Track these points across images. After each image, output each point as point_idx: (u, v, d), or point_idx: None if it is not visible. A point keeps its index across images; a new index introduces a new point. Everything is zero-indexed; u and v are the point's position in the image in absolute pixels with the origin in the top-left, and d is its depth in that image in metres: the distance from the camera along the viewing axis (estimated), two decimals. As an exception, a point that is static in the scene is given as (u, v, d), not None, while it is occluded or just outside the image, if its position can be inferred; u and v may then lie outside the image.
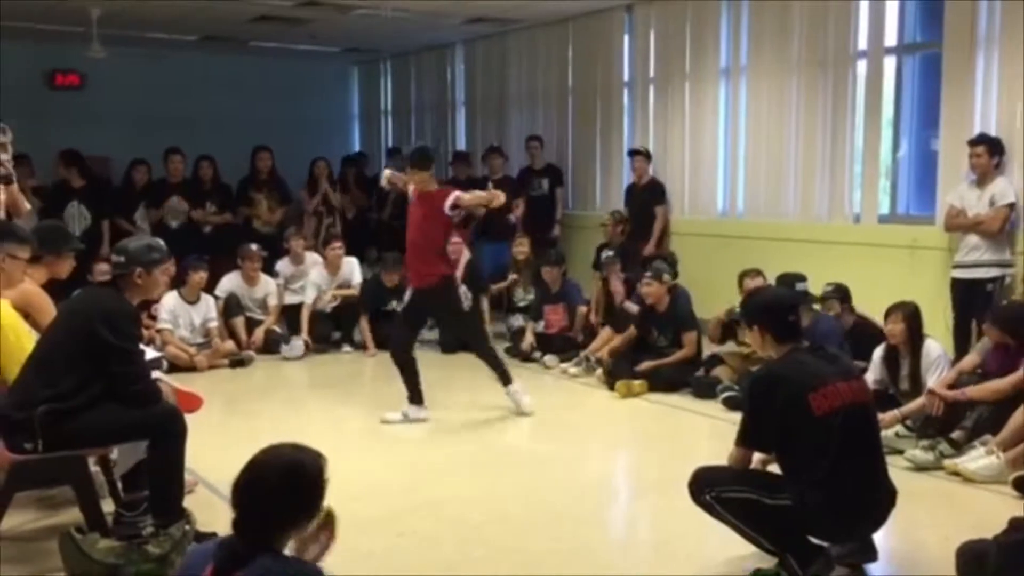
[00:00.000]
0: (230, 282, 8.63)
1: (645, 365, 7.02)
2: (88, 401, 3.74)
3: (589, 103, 10.28)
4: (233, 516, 2.24)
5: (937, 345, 5.67)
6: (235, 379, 7.77)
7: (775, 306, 3.85)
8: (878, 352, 5.77)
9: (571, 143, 10.61)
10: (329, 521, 2.84)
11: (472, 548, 4.10)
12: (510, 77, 11.29)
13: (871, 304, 6.32)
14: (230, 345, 8.18)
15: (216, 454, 4.82)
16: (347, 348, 8.78)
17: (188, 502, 4.05)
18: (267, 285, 8.77)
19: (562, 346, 8.05)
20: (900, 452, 5.12)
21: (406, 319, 6.46)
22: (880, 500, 3.62)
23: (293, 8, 9.65)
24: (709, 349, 7.25)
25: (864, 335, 6.12)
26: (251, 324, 8.53)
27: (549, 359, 7.96)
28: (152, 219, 9.77)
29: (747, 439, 3.63)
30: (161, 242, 4.26)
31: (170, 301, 7.85)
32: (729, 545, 3.78)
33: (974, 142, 6.55)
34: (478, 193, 6.42)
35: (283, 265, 9.05)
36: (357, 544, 3.89)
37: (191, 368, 7.64)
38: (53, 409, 3.67)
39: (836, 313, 6.37)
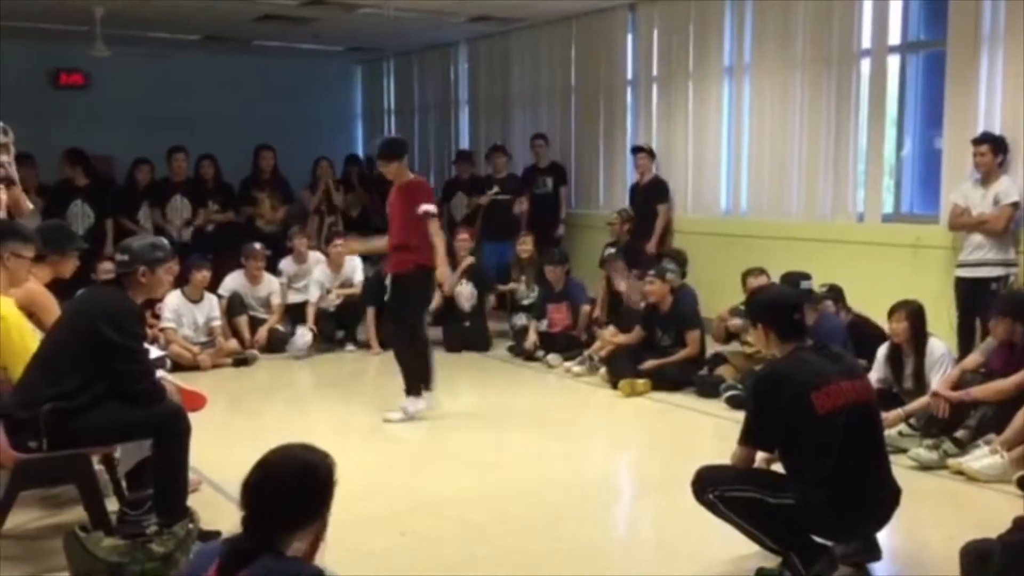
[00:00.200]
0: (233, 281, 8.65)
1: (648, 364, 7.02)
2: (92, 400, 3.74)
3: (592, 102, 10.27)
4: (242, 515, 2.25)
5: (941, 344, 5.66)
6: (239, 378, 7.78)
7: (779, 304, 3.85)
8: (882, 351, 5.76)
9: (574, 142, 10.60)
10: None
11: (475, 547, 4.10)
12: (513, 76, 11.28)
13: (875, 303, 6.31)
14: (233, 344, 8.19)
15: (220, 453, 4.84)
16: (350, 347, 8.78)
17: (192, 501, 4.06)
18: (270, 284, 8.78)
19: (565, 345, 8.05)
20: (904, 451, 5.12)
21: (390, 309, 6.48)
22: (884, 499, 3.62)
23: (297, 7, 9.66)
24: (712, 348, 7.24)
25: (861, 334, 6.11)
26: (254, 323, 8.55)
27: (552, 358, 7.96)
28: (155, 219, 9.78)
29: (750, 438, 3.63)
30: (165, 241, 4.27)
31: (174, 300, 7.86)
32: (732, 544, 3.78)
33: (978, 141, 6.54)
34: (440, 246, 6.21)
35: (286, 264, 9.05)
36: (359, 543, 3.90)
37: (195, 367, 7.65)
38: (57, 408, 3.67)
39: (832, 313, 6.37)
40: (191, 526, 3.70)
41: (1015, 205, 6.42)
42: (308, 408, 6.74)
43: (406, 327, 6.32)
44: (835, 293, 6.42)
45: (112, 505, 4.10)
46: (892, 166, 7.77)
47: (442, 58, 12.46)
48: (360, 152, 13.10)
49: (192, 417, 4.01)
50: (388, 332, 6.50)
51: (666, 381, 6.94)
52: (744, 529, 3.64)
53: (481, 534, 4.26)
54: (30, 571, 3.81)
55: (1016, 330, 5.25)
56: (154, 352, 4.71)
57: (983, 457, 4.88)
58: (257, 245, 8.74)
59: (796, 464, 3.59)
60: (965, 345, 6.39)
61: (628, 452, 6.01)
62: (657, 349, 7.18)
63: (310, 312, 8.64)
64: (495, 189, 10.04)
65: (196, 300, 8.05)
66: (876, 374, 5.63)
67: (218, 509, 4.18)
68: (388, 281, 6.40)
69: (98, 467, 4.23)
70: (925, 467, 5.02)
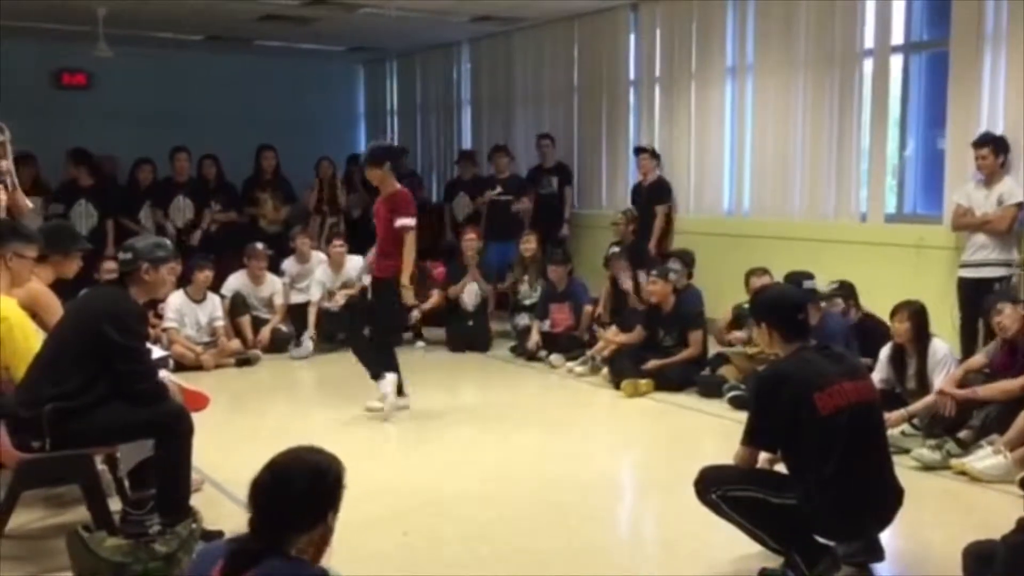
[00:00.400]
0: (236, 281, 8.65)
1: (651, 364, 7.02)
2: (95, 400, 3.75)
3: (595, 102, 10.27)
4: (250, 516, 2.25)
5: (943, 344, 5.66)
6: (241, 378, 7.78)
7: (783, 304, 3.84)
8: (884, 351, 5.76)
9: (577, 142, 10.60)
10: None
11: (478, 547, 4.10)
12: (516, 76, 11.28)
13: (877, 303, 6.31)
14: (236, 344, 8.19)
15: (222, 453, 4.86)
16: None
17: (195, 500, 4.06)
18: (273, 284, 8.79)
19: (568, 345, 8.05)
20: (907, 451, 5.12)
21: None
22: (886, 499, 3.62)
23: (299, 7, 9.66)
24: (715, 348, 7.24)
25: (871, 332, 6.10)
26: (257, 323, 8.55)
27: (555, 358, 7.96)
28: (157, 219, 9.79)
29: (753, 438, 3.63)
30: (168, 241, 4.28)
31: (176, 300, 7.86)
32: (735, 544, 3.78)
33: (979, 143, 6.52)
34: (408, 267, 6.26)
35: (289, 264, 9.06)
36: (363, 543, 3.90)
37: (197, 367, 7.66)
38: (60, 408, 3.68)
39: (841, 311, 6.36)
40: (194, 526, 3.70)
41: (1019, 206, 6.41)
42: (310, 408, 6.74)
43: (379, 331, 6.42)
44: (846, 290, 6.39)
45: (115, 505, 4.10)
46: (895, 166, 7.76)
47: (444, 58, 12.46)
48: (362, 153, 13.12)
49: (195, 417, 4.01)
50: (355, 331, 6.60)
51: (668, 381, 6.94)
52: (747, 529, 3.64)
53: (483, 534, 4.26)
54: (33, 571, 3.81)
55: None
56: (157, 352, 4.71)
57: (986, 458, 4.87)
58: (259, 245, 8.75)
59: (799, 464, 3.59)
60: (968, 345, 6.39)
61: (630, 452, 6.00)
62: (660, 349, 7.17)
63: (311, 313, 8.64)
64: (498, 189, 10.04)
65: (199, 300, 8.06)
66: (879, 374, 5.62)
67: (221, 509, 4.19)
68: (369, 284, 6.44)
69: (101, 467, 4.24)
70: (928, 467, 5.02)
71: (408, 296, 6.33)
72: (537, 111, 11.07)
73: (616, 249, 8.47)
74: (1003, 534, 3.15)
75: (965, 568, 3.26)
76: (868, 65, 7.66)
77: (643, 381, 6.92)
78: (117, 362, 3.78)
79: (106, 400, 3.77)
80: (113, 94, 11.63)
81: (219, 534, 3.59)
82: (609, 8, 9.80)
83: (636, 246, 8.73)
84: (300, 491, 2.26)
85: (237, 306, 8.47)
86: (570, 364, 7.76)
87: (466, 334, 8.74)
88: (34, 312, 4.31)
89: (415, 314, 8.57)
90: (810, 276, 6.41)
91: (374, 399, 6.31)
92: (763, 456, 3.77)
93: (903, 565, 3.94)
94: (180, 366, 7.19)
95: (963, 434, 5.13)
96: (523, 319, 8.76)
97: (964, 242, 6.71)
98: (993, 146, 6.47)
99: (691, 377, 6.97)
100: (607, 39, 10.03)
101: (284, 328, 8.66)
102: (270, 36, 11.29)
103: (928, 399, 5.35)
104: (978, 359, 5.54)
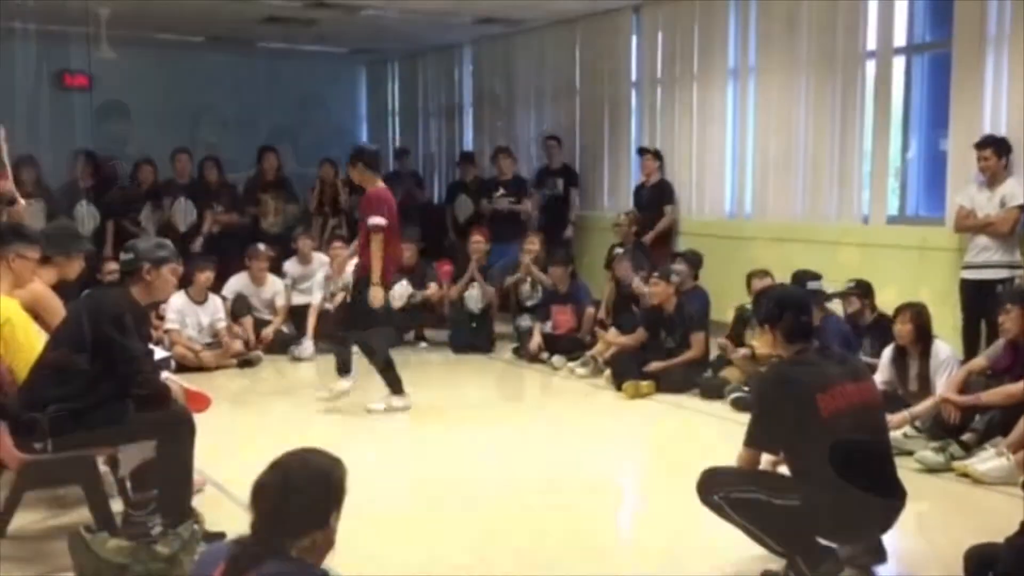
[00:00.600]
0: (238, 282, 8.65)
1: (653, 366, 7.01)
2: (97, 401, 3.75)
3: (597, 103, 10.27)
4: (252, 517, 2.25)
5: (946, 346, 5.65)
6: (243, 379, 7.78)
7: (788, 305, 3.82)
8: (886, 353, 5.75)
9: (579, 143, 10.59)
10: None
11: (480, 548, 4.10)
12: (518, 78, 11.28)
13: (880, 305, 6.31)
14: (238, 345, 8.19)
15: (224, 454, 4.86)
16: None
17: (197, 502, 4.07)
18: (274, 285, 8.78)
19: (570, 347, 8.04)
20: (909, 453, 5.11)
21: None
22: (889, 501, 3.61)
23: (301, 9, 9.67)
24: (717, 350, 7.23)
25: (885, 332, 6.05)
26: (259, 324, 8.54)
27: (557, 360, 7.95)
28: (157, 220, 9.78)
29: (756, 440, 3.62)
30: (169, 242, 4.28)
31: (178, 301, 7.85)
32: (737, 546, 3.77)
33: (981, 145, 6.51)
34: (376, 268, 6.19)
35: (291, 265, 9.05)
36: (365, 544, 3.90)
37: (199, 368, 7.66)
38: (62, 409, 3.68)
39: (856, 310, 6.34)
40: (196, 527, 3.71)
41: (1022, 207, 6.40)
42: (312, 408, 6.73)
43: (367, 332, 6.43)
44: (863, 289, 6.37)
45: (117, 506, 4.10)
46: (897, 168, 7.76)
47: (447, 60, 12.47)
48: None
49: (196, 418, 4.01)
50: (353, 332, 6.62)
51: (670, 383, 6.93)
52: (749, 531, 3.63)
53: (486, 535, 4.26)
54: (35, 572, 3.81)
55: None
56: (158, 353, 4.72)
57: (989, 460, 4.87)
58: (261, 246, 8.74)
59: (801, 466, 3.59)
60: (970, 347, 6.38)
61: (633, 454, 6.00)
62: (662, 351, 7.17)
63: (312, 315, 8.62)
64: (501, 191, 10.02)
65: (200, 301, 8.06)
66: (881, 376, 5.61)
67: (222, 510, 4.19)
68: (351, 283, 6.46)
69: (103, 468, 4.23)
70: (931, 469, 5.02)
71: (376, 296, 6.14)
72: (539, 113, 11.07)
73: (620, 251, 8.45)
74: (1006, 536, 3.15)
75: (967, 571, 3.26)
76: (870, 67, 7.65)
77: (644, 383, 6.92)
78: (118, 363, 3.78)
79: (108, 401, 3.77)
80: (115, 96, 11.61)
81: (221, 535, 3.59)
82: (611, 10, 9.80)
83: (639, 247, 8.72)
84: (302, 493, 2.26)
85: (239, 307, 8.46)
86: (571, 365, 7.76)
87: (469, 335, 8.73)
88: (36, 313, 4.31)
89: (416, 297, 8.23)
90: (817, 276, 6.41)
91: (375, 401, 6.30)
92: (766, 458, 3.76)
93: (905, 567, 3.93)
94: (182, 367, 7.18)
95: (966, 436, 5.13)
96: (525, 321, 8.75)
97: (967, 244, 6.70)
98: (996, 148, 6.46)
99: (693, 379, 6.97)
100: (609, 41, 10.03)
101: (285, 329, 8.65)
102: (272, 38, 11.30)
103: (930, 401, 5.35)
104: (979, 361, 5.53)
